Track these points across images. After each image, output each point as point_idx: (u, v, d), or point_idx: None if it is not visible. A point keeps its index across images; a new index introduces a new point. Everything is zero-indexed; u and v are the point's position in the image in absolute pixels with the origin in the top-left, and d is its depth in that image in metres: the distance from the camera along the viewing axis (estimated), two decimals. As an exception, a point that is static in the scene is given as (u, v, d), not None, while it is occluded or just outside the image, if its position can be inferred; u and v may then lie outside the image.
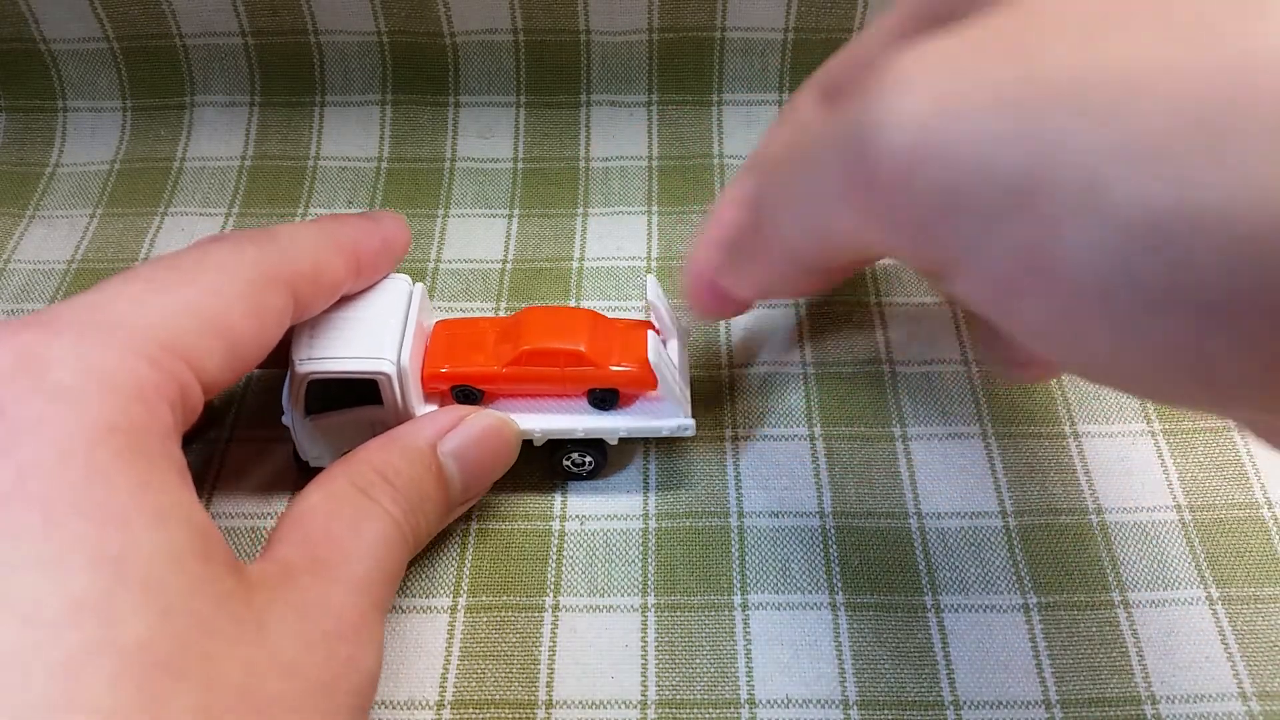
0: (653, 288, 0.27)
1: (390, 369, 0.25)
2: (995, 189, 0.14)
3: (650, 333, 0.26)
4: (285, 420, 0.27)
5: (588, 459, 0.28)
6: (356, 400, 0.26)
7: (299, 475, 0.29)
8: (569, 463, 0.28)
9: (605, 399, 0.27)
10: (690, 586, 0.27)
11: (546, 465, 0.29)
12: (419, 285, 0.28)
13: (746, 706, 0.25)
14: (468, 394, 0.27)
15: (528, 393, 0.27)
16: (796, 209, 0.19)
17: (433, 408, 0.27)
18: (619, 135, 0.39)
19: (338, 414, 0.26)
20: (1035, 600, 0.26)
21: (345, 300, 0.26)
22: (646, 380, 0.26)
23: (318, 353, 0.25)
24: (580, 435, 0.27)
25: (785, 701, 0.25)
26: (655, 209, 0.37)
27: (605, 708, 0.25)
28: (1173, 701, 0.24)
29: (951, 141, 0.14)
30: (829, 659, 0.25)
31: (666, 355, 0.26)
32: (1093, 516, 0.28)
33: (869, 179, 0.16)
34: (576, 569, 0.27)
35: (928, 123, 0.15)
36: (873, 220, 0.16)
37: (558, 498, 0.28)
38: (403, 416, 0.26)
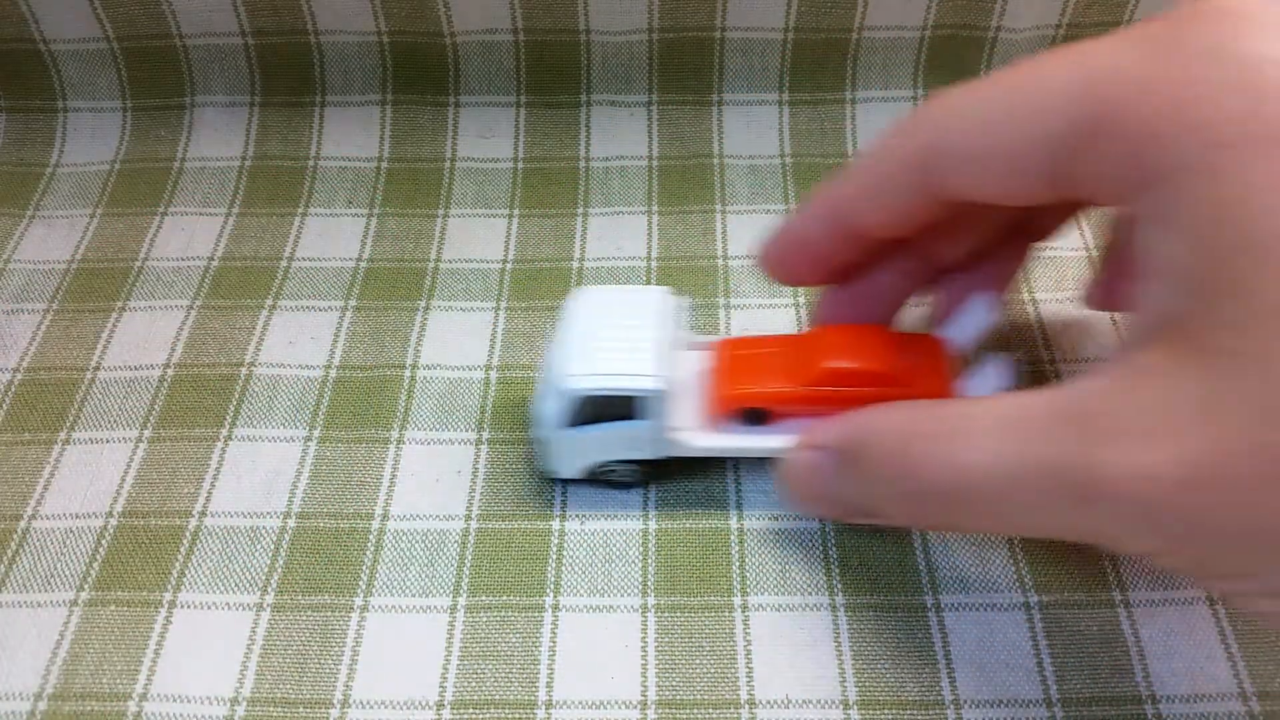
0: (985, 306, 0.26)
1: (659, 386, 0.25)
2: None
3: (944, 349, 0.26)
4: (540, 433, 0.27)
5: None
6: (617, 415, 0.26)
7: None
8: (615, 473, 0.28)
9: None
10: (690, 587, 0.27)
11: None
12: (676, 298, 0.28)
13: (746, 707, 0.25)
14: (756, 415, 0.27)
15: (821, 414, 0.25)
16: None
17: (700, 422, 0.27)
18: (619, 135, 0.39)
19: (598, 428, 0.26)
20: (1036, 599, 0.26)
21: (606, 313, 0.27)
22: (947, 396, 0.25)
23: (588, 370, 0.26)
24: None
25: (785, 702, 0.25)
26: (655, 209, 0.37)
27: (605, 708, 0.25)
28: (1173, 701, 0.24)
29: None
30: (829, 659, 0.25)
31: (985, 369, 0.25)
32: (1093, 516, 0.28)
33: None
34: (576, 569, 0.27)
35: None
36: None
37: (558, 498, 0.28)
38: (667, 435, 0.26)
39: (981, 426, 0.19)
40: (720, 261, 0.35)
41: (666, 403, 0.26)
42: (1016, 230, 0.26)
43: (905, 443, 0.20)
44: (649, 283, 0.34)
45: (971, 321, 0.27)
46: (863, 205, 0.23)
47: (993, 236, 0.26)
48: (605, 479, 0.28)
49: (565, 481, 0.29)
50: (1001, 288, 0.27)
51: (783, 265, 0.26)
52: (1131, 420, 0.16)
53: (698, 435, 0.27)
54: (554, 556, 0.27)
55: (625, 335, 0.26)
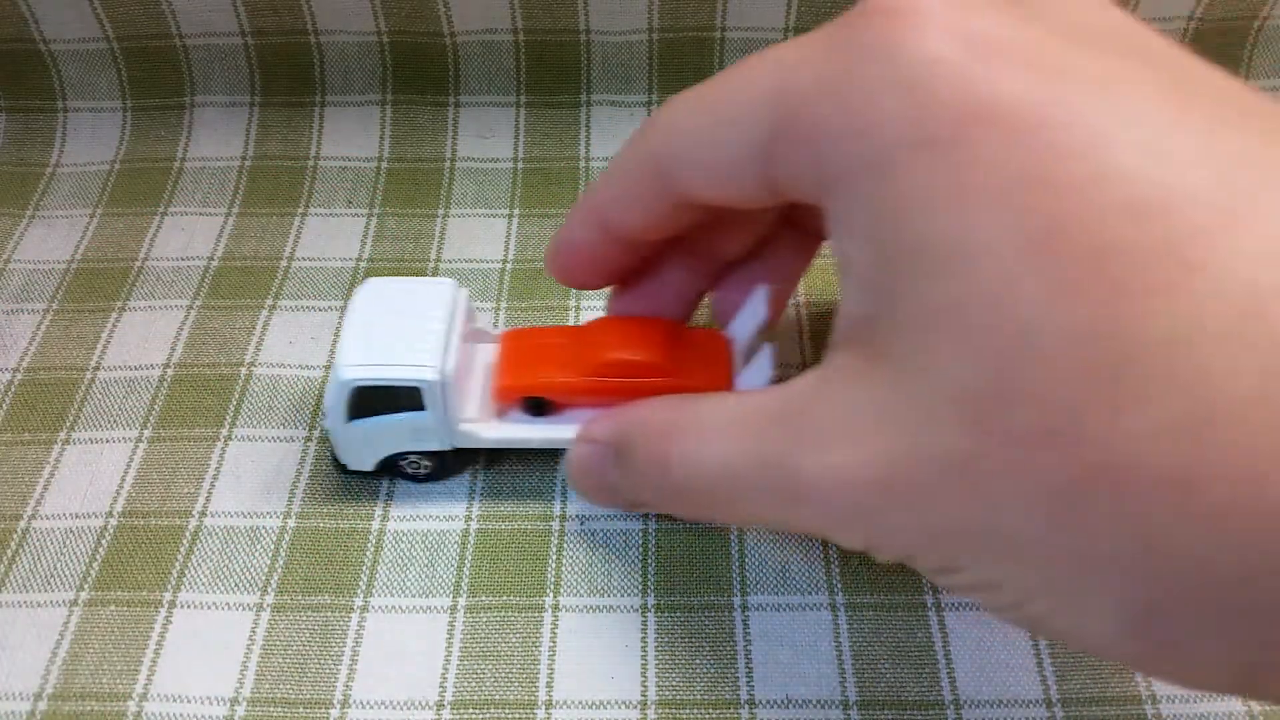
0: (760, 300, 0.26)
1: (435, 377, 0.25)
2: None
3: (729, 343, 0.26)
4: (325, 424, 0.27)
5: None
6: (399, 407, 0.26)
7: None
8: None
9: None
10: (690, 587, 0.27)
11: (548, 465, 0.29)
12: (463, 290, 0.27)
13: (746, 707, 0.25)
14: (539, 405, 0.27)
15: (603, 404, 0.26)
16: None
17: (491, 413, 0.27)
18: (619, 135, 0.39)
19: (380, 420, 0.26)
20: (1035, 600, 0.26)
21: (390, 304, 0.27)
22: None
23: (362, 359, 0.25)
24: None
25: (785, 702, 0.25)
26: (655, 209, 0.37)
27: (605, 708, 0.25)
28: (1173, 701, 0.24)
29: None
30: (829, 659, 0.25)
31: (754, 370, 0.25)
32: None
33: None
34: (576, 569, 0.27)
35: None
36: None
37: (557, 498, 0.28)
38: (446, 423, 0.26)
39: (715, 424, 0.20)
40: (720, 261, 0.35)
41: (449, 394, 0.26)
42: (793, 226, 0.26)
43: (661, 439, 0.21)
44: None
45: (749, 316, 0.26)
46: (616, 211, 0.23)
47: (768, 233, 0.26)
48: (400, 472, 0.28)
49: (564, 483, 0.29)
50: (783, 281, 0.27)
51: (564, 270, 0.26)
52: (825, 423, 0.17)
53: (484, 426, 0.27)
54: (554, 556, 0.27)
55: (406, 326, 0.26)
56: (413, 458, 0.28)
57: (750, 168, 0.19)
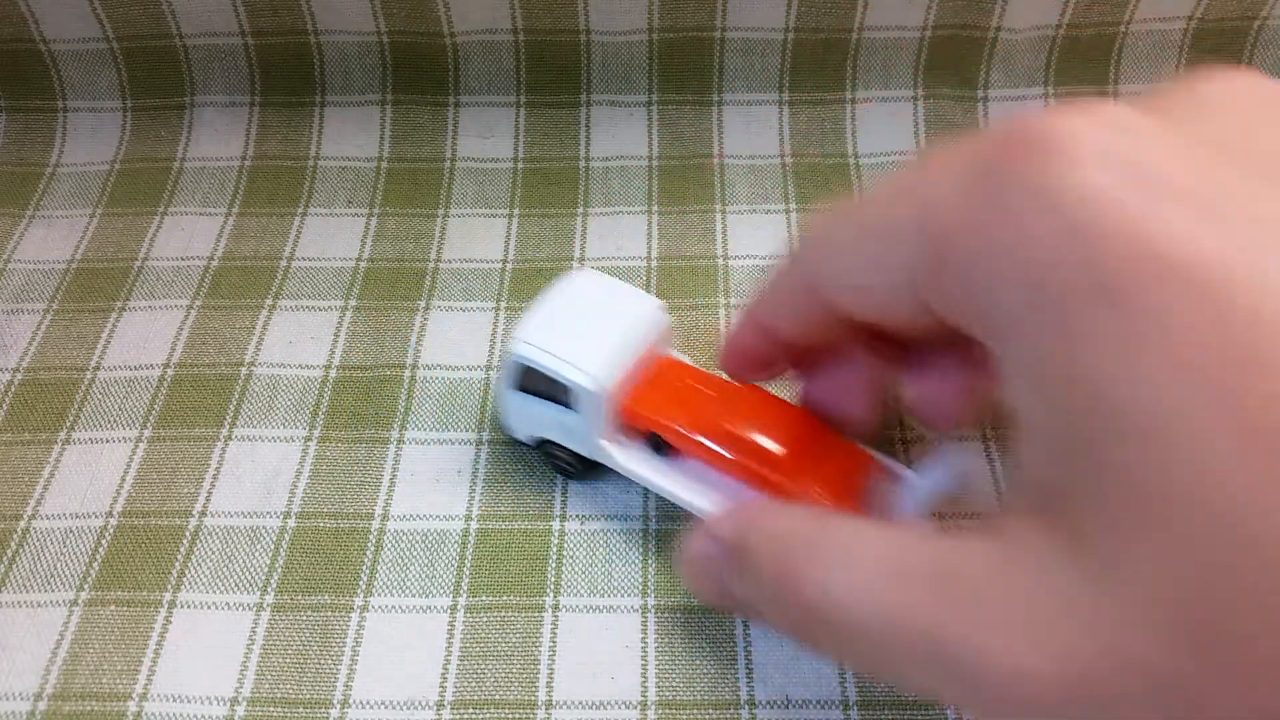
0: (953, 467, 0.24)
1: (591, 386, 0.25)
2: None
3: (872, 466, 0.24)
4: (498, 385, 0.27)
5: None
6: (556, 398, 0.26)
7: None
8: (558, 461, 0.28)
9: None
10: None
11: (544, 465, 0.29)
12: (665, 315, 0.27)
13: (746, 707, 0.25)
14: (658, 441, 0.26)
15: (718, 469, 0.25)
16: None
17: (624, 441, 0.27)
18: (619, 135, 0.39)
19: (536, 401, 0.27)
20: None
21: (592, 299, 0.27)
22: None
23: (539, 340, 0.26)
24: None
25: (785, 702, 0.25)
26: (655, 209, 0.37)
27: (605, 708, 0.25)
28: None
29: None
30: (829, 659, 0.25)
31: (902, 506, 0.24)
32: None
33: None
34: (576, 569, 0.27)
35: None
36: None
37: (558, 498, 0.28)
38: (591, 431, 0.26)
39: (864, 560, 0.18)
40: (720, 261, 0.35)
41: (600, 406, 0.25)
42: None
43: (785, 554, 0.19)
44: (649, 282, 0.34)
45: (931, 474, 0.24)
46: (777, 322, 0.23)
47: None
48: (550, 457, 0.28)
49: (565, 481, 0.29)
50: (974, 371, 0.24)
51: (740, 371, 0.25)
52: (1005, 604, 0.15)
53: (616, 449, 0.26)
54: (554, 556, 0.27)
55: (590, 324, 0.26)
56: (561, 451, 0.28)
57: (905, 296, 0.18)
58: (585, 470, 0.28)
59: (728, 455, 0.25)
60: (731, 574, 0.21)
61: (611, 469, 0.27)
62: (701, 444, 0.25)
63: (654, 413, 0.26)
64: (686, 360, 0.28)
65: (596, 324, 0.26)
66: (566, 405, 0.26)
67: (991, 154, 0.16)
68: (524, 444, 0.29)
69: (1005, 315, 0.15)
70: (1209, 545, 0.13)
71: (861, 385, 0.25)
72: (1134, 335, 0.13)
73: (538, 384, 0.26)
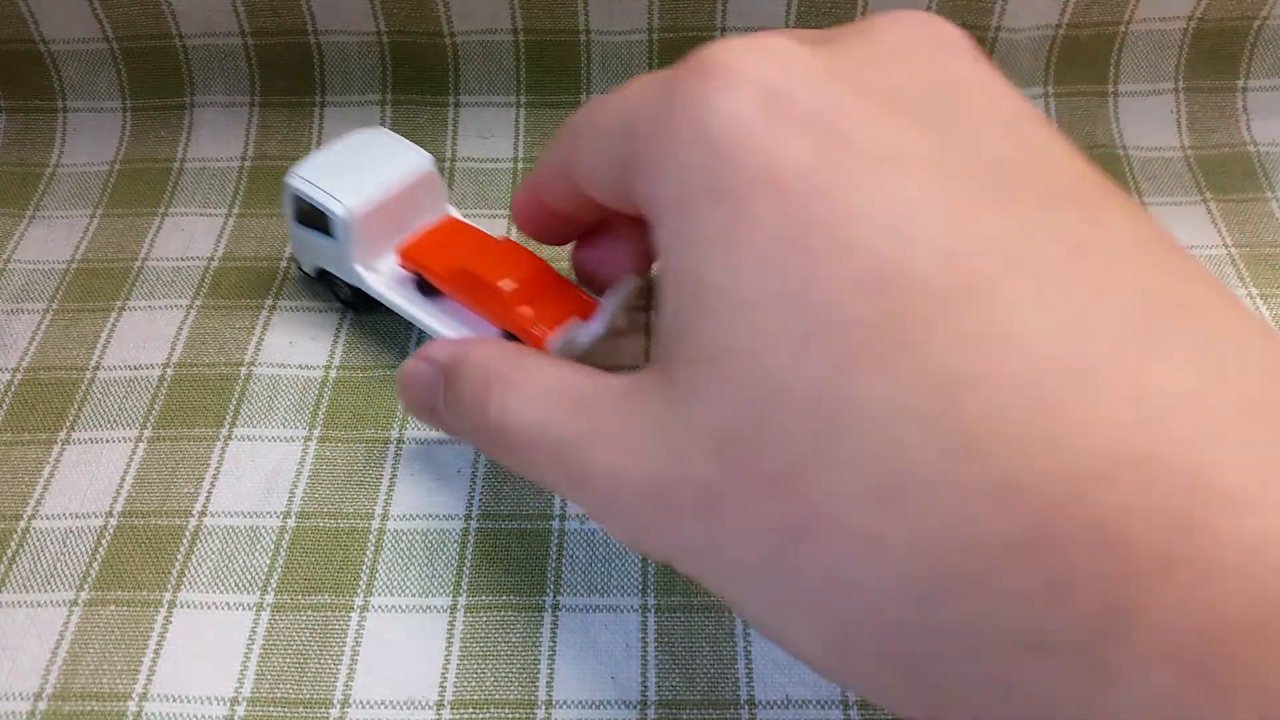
0: (624, 288, 0.28)
1: (341, 212, 0.29)
2: None
3: (588, 305, 0.28)
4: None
5: None
6: (320, 227, 0.30)
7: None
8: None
9: (511, 340, 0.28)
10: (691, 587, 0.27)
11: None
12: (434, 171, 0.31)
13: (746, 707, 0.25)
14: (424, 283, 0.30)
15: (465, 305, 0.29)
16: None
17: (395, 276, 0.30)
18: (619, 135, 0.39)
19: (309, 231, 0.30)
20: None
21: (368, 148, 0.31)
22: (533, 340, 0.27)
23: (309, 174, 0.30)
24: None
25: (785, 702, 0.25)
26: (655, 209, 0.37)
27: (605, 708, 0.25)
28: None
29: None
30: (829, 659, 0.25)
31: (580, 333, 0.28)
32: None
33: None
34: (576, 569, 0.27)
35: None
36: None
37: (558, 497, 0.28)
38: (350, 262, 0.30)
39: (535, 387, 0.21)
40: (720, 261, 0.35)
41: (352, 232, 0.29)
42: None
43: (487, 382, 0.22)
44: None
45: (612, 296, 0.28)
46: (546, 196, 0.26)
47: None
48: (332, 289, 0.32)
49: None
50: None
51: (533, 233, 0.28)
52: (618, 426, 0.19)
53: (371, 275, 0.30)
54: (554, 556, 0.27)
55: (362, 167, 0.30)
56: (337, 280, 0.31)
57: (613, 183, 0.21)
58: (361, 301, 0.31)
59: (463, 287, 0.29)
60: (440, 395, 0.24)
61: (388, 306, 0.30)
62: (446, 280, 0.29)
63: (420, 256, 0.30)
64: (470, 223, 0.32)
65: (362, 165, 0.30)
66: (329, 234, 0.30)
67: (675, 75, 0.19)
68: (310, 275, 0.32)
69: (659, 207, 0.19)
70: (748, 393, 0.16)
71: (619, 254, 0.28)
72: (728, 230, 0.17)
73: (310, 216, 0.30)
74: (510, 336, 0.28)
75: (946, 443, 0.14)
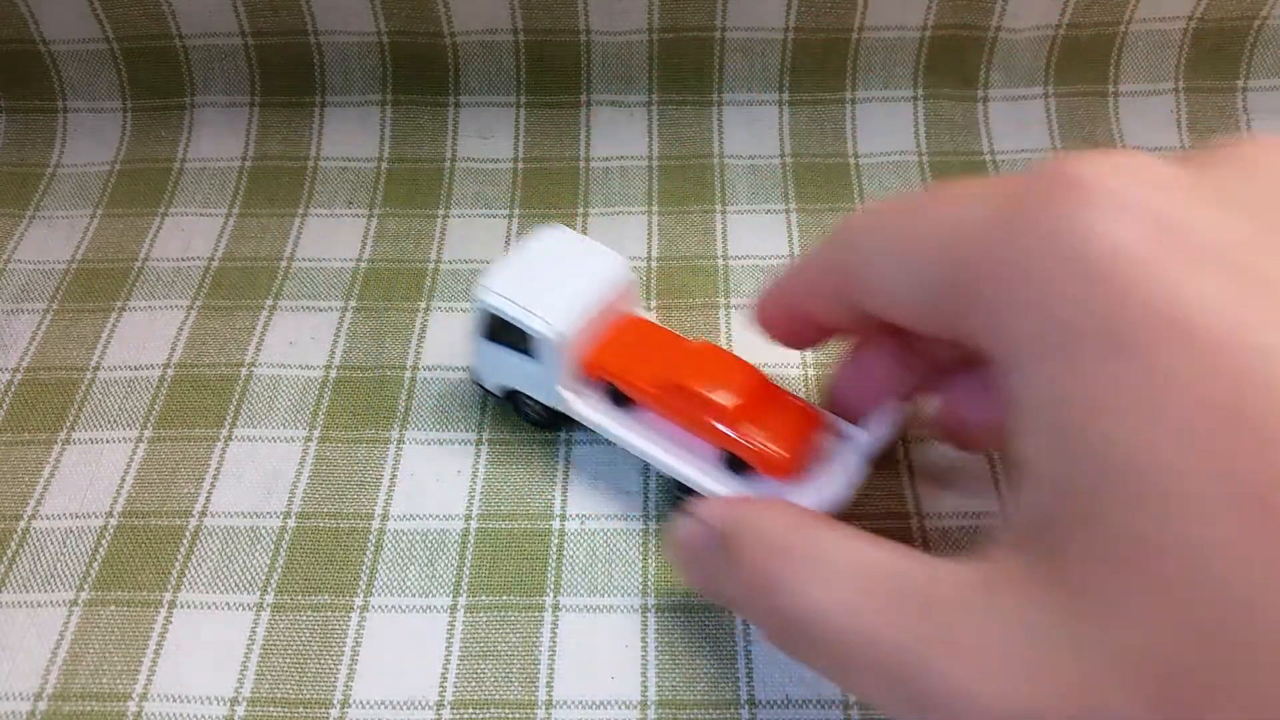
0: (891, 415, 0.25)
1: (549, 334, 0.26)
2: None
3: (821, 423, 0.25)
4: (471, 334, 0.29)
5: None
6: (520, 347, 0.27)
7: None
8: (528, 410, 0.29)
9: (735, 464, 0.26)
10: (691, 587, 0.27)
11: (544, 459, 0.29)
12: (629, 272, 0.28)
13: (746, 707, 0.25)
14: (616, 394, 0.27)
15: (672, 421, 0.26)
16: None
17: (584, 391, 0.28)
18: (619, 135, 0.39)
19: (503, 349, 0.28)
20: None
21: (558, 253, 0.28)
22: (782, 467, 0.25)
23: (502, 289, 0.27)
24: (691, 486, 0.26)
25: (785, 702, 0.25)
26: (655, 209, 0.37)
27: (605, 708, 0.25)
28: None
29: None
30: (829, 659, 0.25)
31: (845, 457, 0.25)
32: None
33: None
34: (576, 569, 0.27)
35: None
36: None
37: (558, 497, 0.28)
38: (551, 380, 0.27)
39: (840, 567, 0.18)
40: (720, 261, 0.35)
41: (559, 354, 0.26)
42: None
43: (774, 555, 0.19)
44: (649, 282, 0.34)
45: (875, 425, 0.26)
46: (805, 303, 0.23)
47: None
48: (520, 408, 0.29)
49: (565, 481, 0.29)
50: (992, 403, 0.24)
51: (770, 330, 0.25)
52: (980, 635, 0.15)
53: (575, 398, 0.27)
54: (554, 556, 0.27)
55: (554, 276, 0.27)
56: (527, 400, 0.29)
57: (926, 309, 0.18)
58: (552, 420, 0.29)
59: (672, 404, 0.26)
60: (717, 562, 0.21)
61: (582, 422, 0.28)
62: (652, 394, 0.26)
63: (612, 365, 0.27)
64: (652, 319, 0.29)
65: (560, 276, 0.27)
66: (529, 354, 0.27)
67: (1023, 188, 0.16)
68: (496, 395, 0.30)
69: (1020, 344, 0.15)
70: (1198, 615, 0.13)
71: (881, 380, 0.25)
72: (1139, 390, 0.14)
73: (505, 333, 0.27)
74: (734, 460, 0.26)
75: None
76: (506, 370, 0.28)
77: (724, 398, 0.25)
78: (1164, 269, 0.14)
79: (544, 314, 0.26)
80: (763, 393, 0.26)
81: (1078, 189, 0.15)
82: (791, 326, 0.24)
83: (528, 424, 0.30)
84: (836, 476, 0.25)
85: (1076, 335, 0.14)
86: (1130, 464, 0.14)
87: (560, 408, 0.28)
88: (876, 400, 0.25)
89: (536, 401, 0.28)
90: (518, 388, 0.29)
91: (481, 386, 0.30)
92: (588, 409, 0.27)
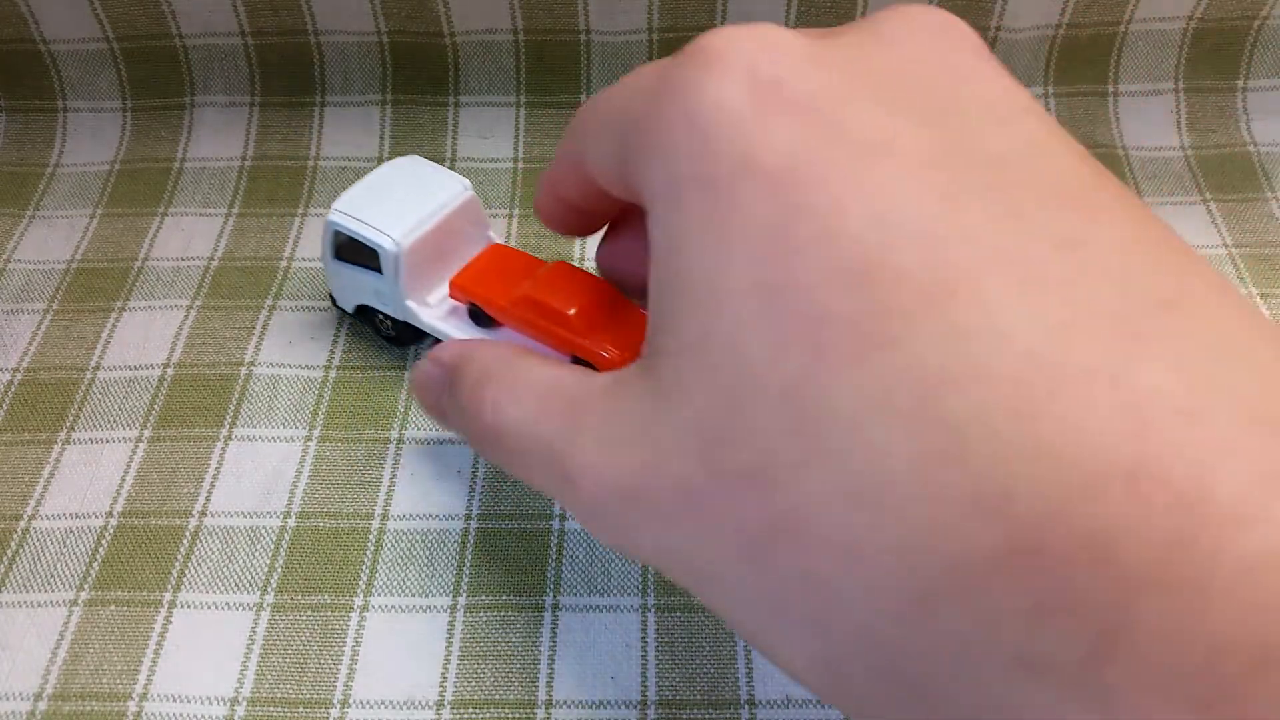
0: None
1: (392, 247, 0.28)
2: None
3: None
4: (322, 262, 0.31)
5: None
6: (366, 263, 0.29)
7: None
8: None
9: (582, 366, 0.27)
10: (690, 586, 0.27)
11: None
12: (473, 194, 0.30)
13: (746, 707, 0.25)
14: (480, 315, 0.29)
15: (526, 334, 0.28)
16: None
17: (446, 307, 0.30)
18: (619, 135, 0.39)
19: (352, 268, 0.30)
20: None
21: (406, 179, 0.30)
22: (604, 363, 0.26)
23: (350, 209, 0.29)
24: None
25: (785, 702, 0.25)
26: (655, 209, 0.37)
27: (605, 708, 0.25)
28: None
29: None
30: (829, 659, 0.25)
31: None
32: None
33: None
34: (576, 569, 0.27)
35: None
36: None
37: (558, 498, 0.28)
38: (400, 295, 0.29)
39: (526, 387, 0.21)
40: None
41: (402, 267, 0.28)
42: None
43: (483, 382, 0.22)
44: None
45: None
46: (562, 188, 0.25)
47: None
48: (374, 326, 0.31)
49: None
50: None
51: (552, 226, 0.27)
52: (601, 423, 0.18)
53: (425, 310, 0.30)
54: (554, 556, 0.27)
55: (403, 199, 0.29)
56: (381, 316, 0.31)
57: (615, 173, 0.21)
58: (403, 335, 0.31)
59: (526, 317, 0.28)
60: (444, 394, 0.24)
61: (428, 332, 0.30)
62: (504, 308, 0.28)
63: (472, 286, 0.29)
64: (514, 246, 0.31)
65: (405, 197, 0.29)
66: (376, 269, 0.29)
67: (671, 62, 0.18)
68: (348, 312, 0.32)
69: (650, 195, 0.18)
70: (727, 387, 0.16)
71: (640, 249, 0.27)
72: (712, 220, 0.16)
73: (352, 253, 0.29)
74: (580, 362, 0.27)
75: (925, 444, 0.14)
76: (357, 288, 0.30)
77: (569, 306, 0.27)
78: (749, 118, 0.16)
79: (385, 228, 0.28)
80: (610, 303, 0.27)
81: (704, 55, 0.17)
82: (565, 216, 0.26)
83: (381, 339, 0.32)
84: None
85: (679, 181, 0.17)
86: (697, 279, 0.17)
87: (408, 319, 0.30)
88: (642, 270, 0.27)
89: (387, 316, 0.30)
90: (368, 303, 0.30)
91: (339, 309, 0.32)
92: (434, 319, 0.29)
